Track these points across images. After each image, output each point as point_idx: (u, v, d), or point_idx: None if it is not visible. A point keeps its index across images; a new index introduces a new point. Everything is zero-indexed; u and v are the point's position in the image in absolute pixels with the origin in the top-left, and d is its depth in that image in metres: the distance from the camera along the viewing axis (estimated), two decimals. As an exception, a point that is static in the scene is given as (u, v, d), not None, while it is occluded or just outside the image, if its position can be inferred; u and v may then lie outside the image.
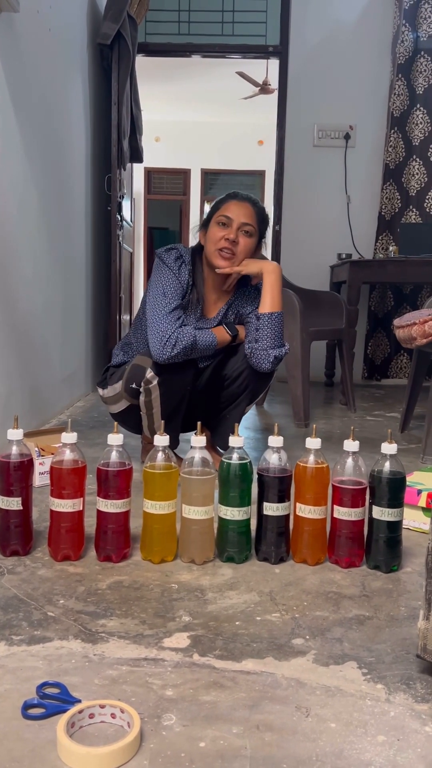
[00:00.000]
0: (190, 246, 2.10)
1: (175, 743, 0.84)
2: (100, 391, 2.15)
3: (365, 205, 4.54)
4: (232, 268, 1.97)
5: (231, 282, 2.04)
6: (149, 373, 1.89)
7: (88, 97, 3.71)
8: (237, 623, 1.15)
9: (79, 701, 0.89)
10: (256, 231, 1.99)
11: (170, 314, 1.89)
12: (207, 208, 2.07)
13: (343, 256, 4.20)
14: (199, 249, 2.06)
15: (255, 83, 6.54)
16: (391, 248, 4.17)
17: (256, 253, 2.03)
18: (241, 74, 6.42)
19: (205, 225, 2.03)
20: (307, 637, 1.12)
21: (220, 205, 1.99)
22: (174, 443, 2.03)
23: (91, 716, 0.87)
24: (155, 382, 1.88)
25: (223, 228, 1.96)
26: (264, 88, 6.55)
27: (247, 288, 2.11)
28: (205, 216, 2.06)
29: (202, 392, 2.12)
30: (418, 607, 1.23)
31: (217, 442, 2.14)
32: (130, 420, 2.10)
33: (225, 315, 2.08)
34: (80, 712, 0.86)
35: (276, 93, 4.65)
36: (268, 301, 1.98)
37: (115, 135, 3.94)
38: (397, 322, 2.59)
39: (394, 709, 0.92)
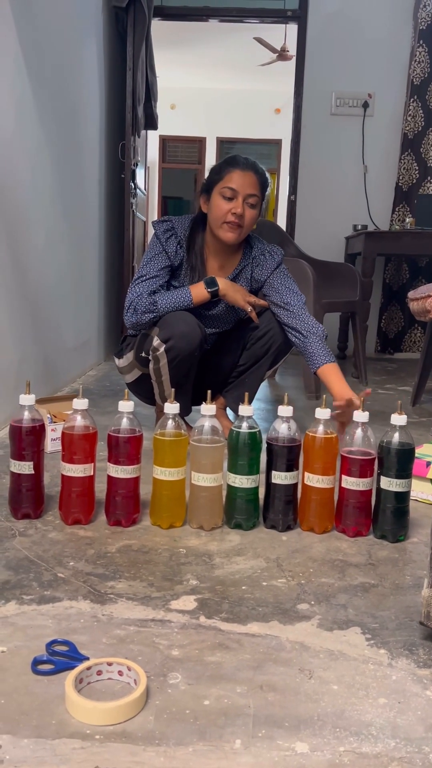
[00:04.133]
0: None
1: (180, 701, 0.86)
2: (116, 361, 2.16)
3: (382, 176, 4.47)
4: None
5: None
6: (156, 341, 1.90)
7: (102, 61, 3.66)
8: (243, 588, 1.17)
9: (87, 659, 0.91)
10: (260, 199, 1.97)
11: (140, 283, 1.93)
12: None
13: (359, 227, 4.15)
14: (200, 216, 2.04)
15: (273, 49, 6.40)
16: (407, 220, 4.12)
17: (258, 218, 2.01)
18: (259, 40, 6.29)
19: (206, 191, 1.98)
20: (312, 602, 1.13)
21: (223, 174, 1.93)
22: (185, 411, 2.04)
23: (99, 673, 0.89)
24: (162, 349, 1.89)
25: (229, 201, 1.91)
26: (282, 55, 6.41)
27: (257, 253, 2.09)
28: (204, 181, 2.01)
29: (219, 358, 2.12)
30: (423, 576, 1.24)
31: (232, 406, 2.15)
32: (143, 390, 2.11)
33: (234, 281, 2.07)
34: (88, 668, 0.88)
35: (294, 60, 4.56)
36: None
37: (129, 101, 3.89)
38: (411, 294, 2.57)
39: (396, 673, 0.94)
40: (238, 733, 0.80)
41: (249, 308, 1.97)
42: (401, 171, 4.40)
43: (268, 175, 2.01)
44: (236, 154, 2.01)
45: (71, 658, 0.92)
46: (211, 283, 1.94)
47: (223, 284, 1.95)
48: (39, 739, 0.78)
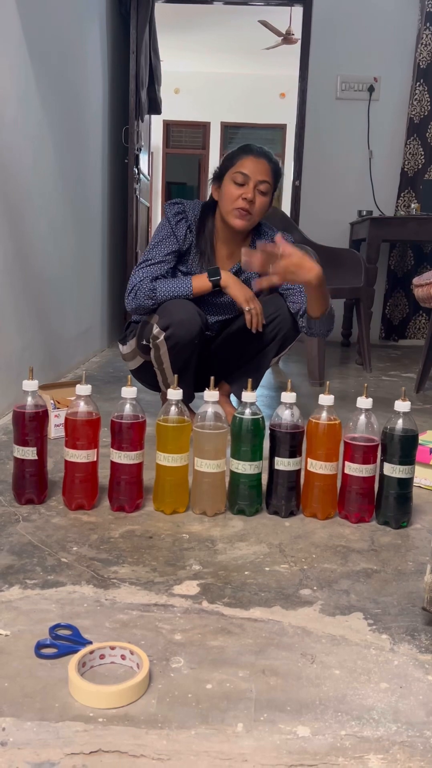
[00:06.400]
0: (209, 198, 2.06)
1: (182, 684, 0.86)
2: (120, 347, 2.16)
3: (388, 161, 4.44)
4: (269, 281, 1.80)
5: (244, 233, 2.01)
6: (155, 329, 1.89)
7: (105, 45, 3.63)
8: (246, 573, 1.17)
9: (90, 643, 0.92)
10: (272, 187, 1.96)
11: (144, 268, 1.92)
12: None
13: (364, 213, 4.13)
14: (211, 203, 2.03)
15: (278, 33, 6.34)
16: (413, 206, 4.09)
17: (269, 207, 2.00)
18: (264, 23, 6.22)
19: (218, 179, 1.98)
20: (315, 588, 1.13)
21: (235, 161, 1.94)
22: (188, 397, 2.04)
23: (102, 657, 0.89)
24: (161, 337, 1.88)
25: (240, 187, 1.91)
26: (287, 38, 6.36)
27: (266, 241, 2.07)
28: (217, 169, 2.01)
29: (225, 345, 2.11)
30: (426, 561, 1.24)
31: (237, 393, 2.14)
32: (146, 377, 2.11)
33: (242, 269, 2.06)
34: (91, 652, 0.89)
35: (299, 43, 4.52)
36: (319, 307, 1.90)
37: (133, 85, 3.86)
38: (416, 280, 2.56)
39: (398, 658, 0.94)
40: (240, 717, 0.81)
41: (247, 308, 1.93)
42: (407, 156, 4.37)
43: (281, 165, 2.00)
44: (250, 143, 1.99)
45: (74, 642, 0.92)
46: (214, 273, 1.93)
47: (226, 277, 1.93)
48: (42, 721, 0.78)
